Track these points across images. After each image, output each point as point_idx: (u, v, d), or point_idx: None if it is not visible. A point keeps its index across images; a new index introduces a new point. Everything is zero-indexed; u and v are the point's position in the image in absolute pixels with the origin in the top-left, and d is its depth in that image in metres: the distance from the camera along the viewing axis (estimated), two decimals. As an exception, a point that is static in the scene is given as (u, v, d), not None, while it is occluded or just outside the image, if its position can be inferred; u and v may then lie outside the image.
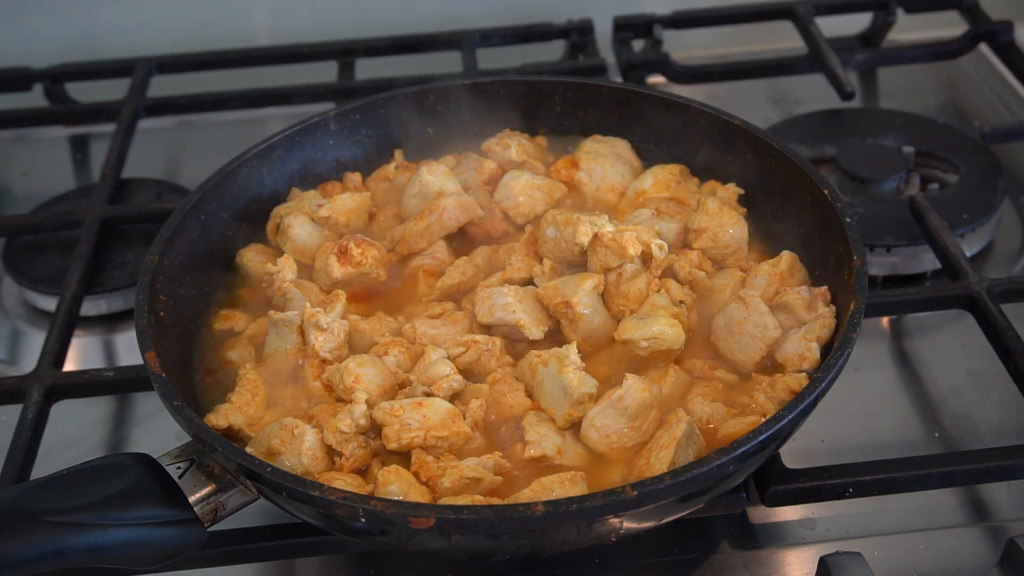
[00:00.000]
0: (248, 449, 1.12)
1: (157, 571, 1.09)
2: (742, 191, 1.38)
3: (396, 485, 1.07)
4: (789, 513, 1.25)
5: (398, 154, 1.51)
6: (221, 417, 1.16)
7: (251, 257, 1.38)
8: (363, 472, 1.12)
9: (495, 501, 1.06)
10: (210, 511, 1.04)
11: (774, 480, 1.16)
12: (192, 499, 1.03)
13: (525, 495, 1.05)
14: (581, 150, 1.47)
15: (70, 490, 0.99)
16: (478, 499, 1.05)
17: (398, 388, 1.19)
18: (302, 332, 1.22)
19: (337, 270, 1.30)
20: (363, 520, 0.97)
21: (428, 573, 1.21)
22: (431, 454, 1.11)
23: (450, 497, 1.06)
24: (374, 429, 1.14)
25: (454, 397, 1.17)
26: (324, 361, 1.21)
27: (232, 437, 1.16)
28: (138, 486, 1.01)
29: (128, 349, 1.56)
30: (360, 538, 1.11)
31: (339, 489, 0.98)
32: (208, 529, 1.04)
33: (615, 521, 0.99)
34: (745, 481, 1.17)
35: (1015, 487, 1.26)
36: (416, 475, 1.09)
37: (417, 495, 1.06)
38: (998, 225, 1.63)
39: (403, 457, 1.12)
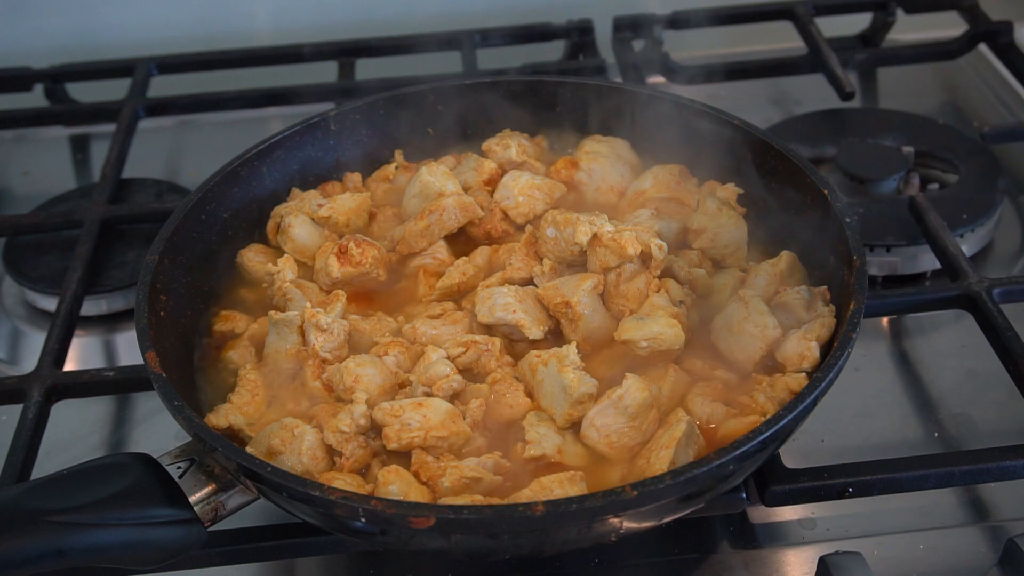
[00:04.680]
0: (248, 449, 1.12)
1: (157, 571, 1.09)
2: (741, 191, 1.38)
3: (396, 485, 1.07)
4: (789, 513, 1.25)
5: (398, 155, 1.51)
6: (221, 417, 1.16)
7: (251, 257, 1.38)
8: (363, 472, 1.12)
9: (495, 501, 1.06)
10: (210, 511, 1.04)
11: (774, 480, 1.16)
12: (192, 499, 1.03)
13: (525, 495, 1.05)
14: (581, 150, 1.47)
15: (70, 490, 0.99)
16: (478, 499, 1.05)
17: (398, 388, 1.19)
18: (302, 332, 1.22)
19: (337, 270, 1.30)
20: (363, 520, 0.97)
21: (428, 573, 1.21)
22: (431, 454, 1.11)
23: (450, 497, 1.06)
24: (374, 429, 1.14)
25: (454, 397, 1.17)
26: (324, 361, 1.21)
27: (232, 437, 1.16)
28: (138, 486, 1.01)
29: (128, 349, 1.56)
30: (360, 538, 1.11)
31: (339, 489, 0.98)
32: (208, 529, 1.04)
33: (615, 521, 0.99)
34: (745, 481, 1.17)
35: (1015, 487, 1.25)
36: (416, 475, 1.09)
37: (417, 495, 1.06)
38: (998, 225, 1.63)
39: (403, 457, 1.12)
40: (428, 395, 1.15)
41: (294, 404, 1.20)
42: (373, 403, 1.14)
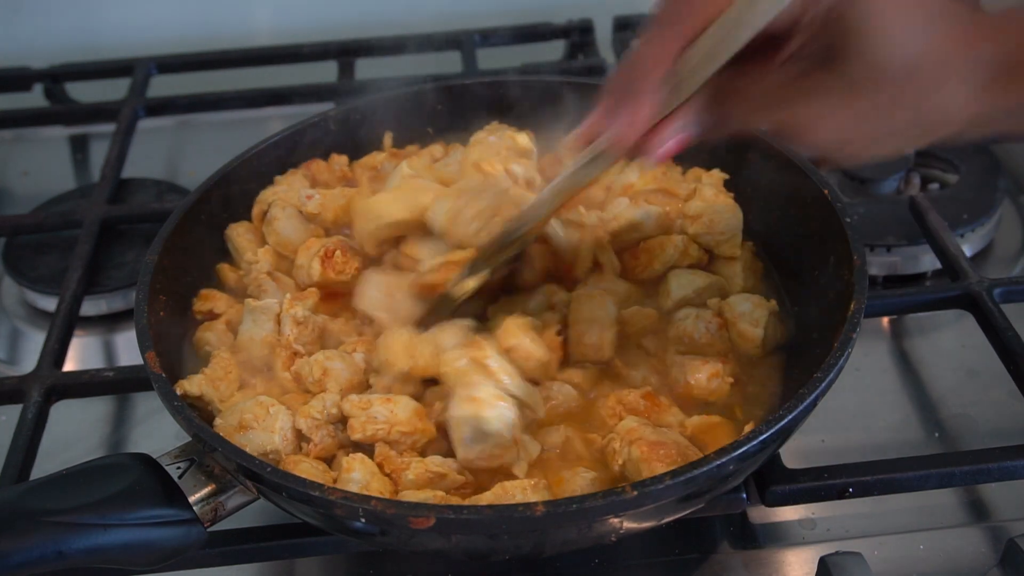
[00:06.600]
0: (218, 422, 1.12)
1: (157, 571, 1.09)
2: (727, 176, 1.37)
3: (359, 472, 1.07)
4: (789, 513, 1.25)
5: (387, 139, 1.50)
6: (194, 385, 1.15)
7: (241, 232, 1.37)
8: (329, 462, 1.13)
9: (456, 500, 1.06)
10: (210, 511, 1.04)
11: (774, 480, 1.16)
12: (192, 499, 1.03)
13: (486, 498, 1.05)
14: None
15: (70, 490, 0.99)
16: (439, 495, 1.06)
17: (366, 386, 1.19)
18: (279, 321, 1.22)
19: (319, 274, 1.29)
20: (363, 520, 0.97)
21: (428, 573, 1.21)
22: (394, 449, 1.11)
23: (412, 491, 1.06)
24: (342, 421, 1.14)
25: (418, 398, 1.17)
26: (295, 354, 1.21)
27: (202, 410, 1.16)
28: (138, 486, 1.01)
29: (128, 349, 1.56)
30: (360, 538, 1.11)
31: (339, 489, 0.98)
32: (208, 529, 1.04)
33: (615, 521, 0.99)
34: (745, 481, 1.17)
35: (1015, 487, 1.25)
36: (380, 467, 1.10)
37: (379, 485, 1.07)
38: (998, 225, 1.63)
39: (368, 450, 1.13)
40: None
41: (264, 391, 1.20)
42: (342, 395, 1.15)
